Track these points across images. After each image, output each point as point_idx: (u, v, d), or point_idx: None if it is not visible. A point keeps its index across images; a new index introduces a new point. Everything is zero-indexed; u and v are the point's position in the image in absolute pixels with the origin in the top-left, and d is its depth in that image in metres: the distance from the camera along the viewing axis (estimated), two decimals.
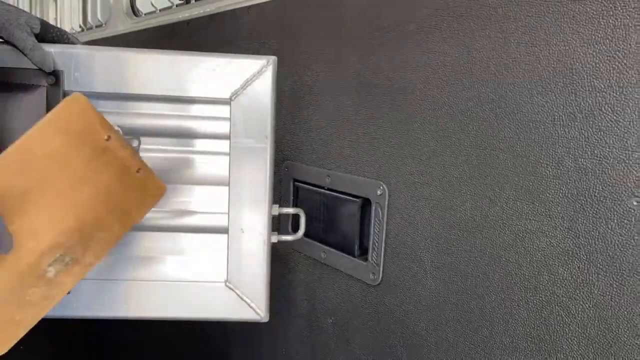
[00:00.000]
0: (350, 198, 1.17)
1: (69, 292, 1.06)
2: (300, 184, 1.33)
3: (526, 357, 0.91)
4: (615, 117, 0.78)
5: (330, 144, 1.25)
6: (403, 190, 1.08)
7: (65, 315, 1.13)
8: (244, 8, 1.45)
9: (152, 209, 1.19)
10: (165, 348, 2.02)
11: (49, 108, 1.09)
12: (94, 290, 1.20)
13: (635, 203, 0.76)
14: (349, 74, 1.18)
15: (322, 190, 1.26)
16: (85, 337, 2.49)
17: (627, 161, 0.77)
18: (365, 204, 1.15)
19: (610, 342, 0.80)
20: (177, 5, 1.90)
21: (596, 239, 0.81)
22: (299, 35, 1.30)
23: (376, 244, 1.13)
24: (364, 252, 1.17)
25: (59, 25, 2.13)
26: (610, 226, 0.79)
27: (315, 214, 1.29)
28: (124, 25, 2.27)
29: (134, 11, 2.24)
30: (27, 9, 3.80)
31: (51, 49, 1.11)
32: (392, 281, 1.12)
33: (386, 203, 1.10)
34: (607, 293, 0.80)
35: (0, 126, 1.11)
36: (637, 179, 0.76)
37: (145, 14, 2.17)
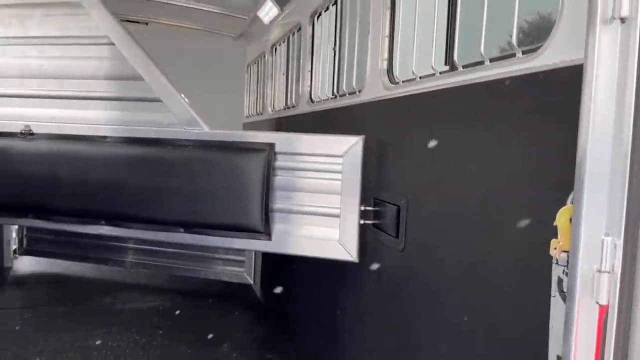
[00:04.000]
0: (392, 205, 2.31)
1: (271, 238, 2.51)
2: (377, 200, 2.51)
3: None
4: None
5: (386, 177, 2.41)
6: (414, 200, 2.18)
7: (268, 250, 2.61)
8: (357, 105, 2.74)
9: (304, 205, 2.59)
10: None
11: (267, 163, 2.55)
12: (281, 240, 2.60)
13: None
14: (395, 144, 2.34)
15: (382, 201, 2.42)
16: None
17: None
18: (398, 209, 2.28)
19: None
20: (330, 98, 3.29)
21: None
22: (374, 122, 2.53)
23: (402, 229, 2.24)
24: (398, 235, 2.28)
25: (312, 92, 3.57)
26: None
27: (382, 216, 2.45)
28: (305, 107, 3.75)
29: (311, 99, 3.71)
30: (283, 82, 4.82)
31: (270, 134, 2.57)
32: (408, 249, 2.20)
33: (406, 208, 2.21)
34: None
35: (241, 172, 2.59)
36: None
37: (315, 102, 3.61)
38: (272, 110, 5.05)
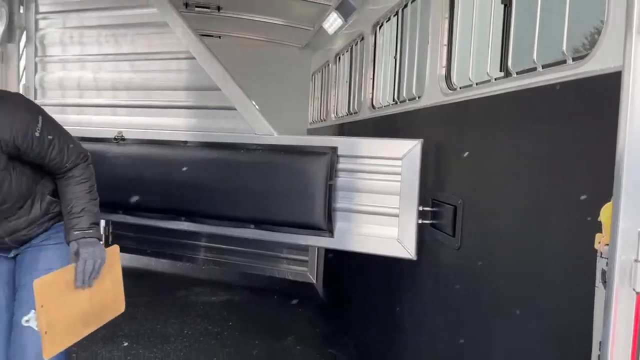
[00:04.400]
0: (449, 206, 2.42)
1: (333, 236, 2.70)
2: (434, 201, 2.63)
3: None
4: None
5: (443, 179, 2.53)
6: (470, 201, 2.28)
7: (330, 247, 2.81)
8: (416, 110, 2.87)
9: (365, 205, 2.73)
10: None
11: (330, 165, 2.73)
12: (343, 237, 2.78)
13: None
14: (452, 147, 2.46)
15: (440, 202, 2.53)
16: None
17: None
18: (455, 209, 2.38)
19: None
20: (391, 104, 3.44)
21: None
22: (432, 126, 2.65)
23: (458, 229, 2.35)
24: (454, 234, 2.39)
25: (374, 99, 3.80)
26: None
27: (439, 215, 2.56)
28: (366, 113, 3.92)
29: (373, 105, 3.87)
30: (346, 90, 5.03)
31: (333, 138, 2.77)
32: (464, 247, 2.31)
33: (462, 208, 2.32)
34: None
35: (306, 173, 2.80)
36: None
37: (377, 108, 3.77)
38: (335, 117, 5.26)
